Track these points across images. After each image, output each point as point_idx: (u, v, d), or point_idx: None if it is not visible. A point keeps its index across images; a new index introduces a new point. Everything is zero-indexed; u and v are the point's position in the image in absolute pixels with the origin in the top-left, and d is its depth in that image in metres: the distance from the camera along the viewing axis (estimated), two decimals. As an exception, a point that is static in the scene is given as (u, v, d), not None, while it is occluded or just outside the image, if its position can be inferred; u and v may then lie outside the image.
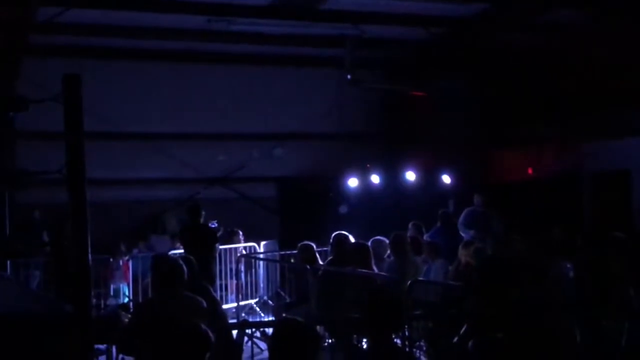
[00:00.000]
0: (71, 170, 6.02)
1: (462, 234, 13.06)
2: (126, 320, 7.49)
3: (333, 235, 10.48)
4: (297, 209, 17.29)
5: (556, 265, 8.92)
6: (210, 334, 5.18)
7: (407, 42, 16.01)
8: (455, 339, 6.24)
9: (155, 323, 6.23)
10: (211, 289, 8.34)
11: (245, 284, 14.53)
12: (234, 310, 13.44)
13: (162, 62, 16.87)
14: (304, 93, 17.88)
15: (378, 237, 10.93)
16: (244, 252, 14.94)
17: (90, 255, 6.09)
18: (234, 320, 10.23)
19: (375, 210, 15.21)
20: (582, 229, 14.51)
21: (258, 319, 13.23)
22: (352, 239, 10.54)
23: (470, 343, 5.33)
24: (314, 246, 10.86)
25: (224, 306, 11.62)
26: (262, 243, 15.74)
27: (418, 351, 8.91)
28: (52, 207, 12.15)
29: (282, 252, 14.98)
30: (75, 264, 6.07)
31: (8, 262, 12.22)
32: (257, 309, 14.26)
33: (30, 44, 14.27)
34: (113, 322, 7.80)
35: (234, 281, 14.36)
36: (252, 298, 14.59)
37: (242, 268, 14.45)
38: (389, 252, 10.97)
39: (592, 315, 7.11)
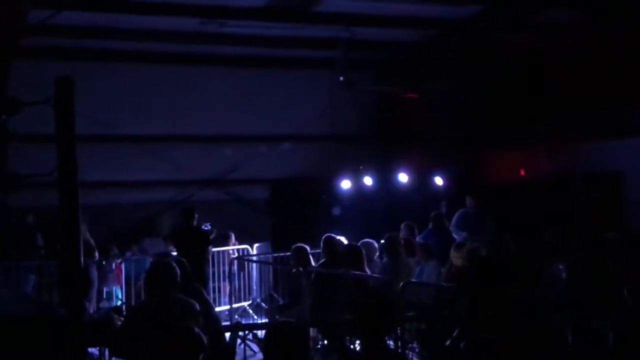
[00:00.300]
0: (63, 174, 6.01)
1: (455, 236, 13.07)
2: (119, 323, 7.48)
3: (323, 237, 10.53)
4: (291, 211, 17.29)
5: (549, 266, 8.93)
6: (203, 337, 5.18)
7: (400, 44, 16.02)
8: (448, 342, 6.24)
9: (148, 326, 6.22)
10: (204, 291, 8.35)
11: (238, 286, 14.51)
12: (226, 312, 13.44)
13: (155, 64, 16.85)
14: (296, 95, 17.90)
15: (367, 240, 10.98)
16: (237, 254, 14.94)
17: (82, 259, 6.08)
18: (227, 323, 10.23)
19: (368, 212, 15.22)
20: (575, 230, 14.54)
21: (251, 322, 13.22)
22: (344, 241, 10.55)
23: (462, 345, 5.34)
24: (308, 248, 10.88)
25: (217, 309, 11.61)
26: (255, 245, 15.74)
27: (410, 353, 8.92)
28: (45, 210, 12.12)
29: (275, 255, 14.97)
30: (67, 267, 6.06)
31: (1, 265, 12.23)
32: (250, 311, 14.25)
33: (23, 46, 14.25)
34: (106, 325, 7.78)
35: (227, 283, 14.35)
36: (245, 300, 14.58)
37: (235, 270, 14.44)
38: (378, 253, 10.99)
39: (585, 317, 7.12)
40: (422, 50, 16.22)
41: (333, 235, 10.69)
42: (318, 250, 11.34)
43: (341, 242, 11.06)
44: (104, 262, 13.94)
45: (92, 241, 12.30)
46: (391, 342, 7.46)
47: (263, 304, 14.33)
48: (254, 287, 14.97)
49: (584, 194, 15.20)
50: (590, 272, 8.02)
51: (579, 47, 14.58)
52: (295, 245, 10.88)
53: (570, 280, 8.64)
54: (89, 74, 14.38)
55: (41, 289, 13.01)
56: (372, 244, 10.95)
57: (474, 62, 16.26)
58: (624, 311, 6.20)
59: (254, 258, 15.29)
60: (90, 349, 7.06)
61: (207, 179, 18.09)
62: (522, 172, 16.08)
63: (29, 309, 6.79)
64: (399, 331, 7.84)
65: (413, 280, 10.12)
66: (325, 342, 8.70)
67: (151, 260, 11.42)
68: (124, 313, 8.67)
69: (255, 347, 10.23)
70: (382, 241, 10.90)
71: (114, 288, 14.11)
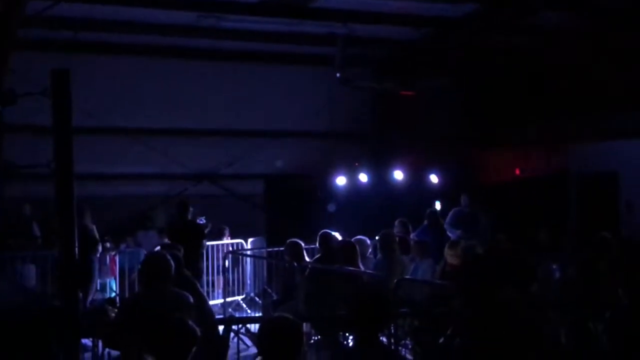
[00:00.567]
0: (59, 165, 5.99)
1: (449, 234, 13.08)
2: (113, 315, 7.48)
3: (319, 233, 10.54)
4: (285, 206, 17.27)
5: (543, 266, 8.95)
6: (197, 329, 5.18)
7: (396, 41, 16.03)
8: (442, 340, 6.25)
9: (142, 318, 6.23)
10: (198, 285, 8.35)
11: (232, 280, 14.51)
12: (220, 306, 13.45)
13: (151, 58, 16.81)
14: (293, 91, 17.88)
15: (360, 237, 10.99)
16: (231, 248, 14.94)
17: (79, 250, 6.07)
18: (221, 316, 10.22)
19: (362, 208, 15.22)
20: (569, 230, 14.59)
21: (245, 315, 13.23)
22: (339, 237, 10.56)
23: (456, 342, 5.35)
24: (302, 243, 10.88)
25: (210, 302, 11.60)
26: (250, 240, 15.75)
27: (403, 349, 8.93)
28: (42, 201, 12.09)
29: (270, 249, 14.96)
30: (62, 258, 6.05)
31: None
32: (244, 305, 14.25)
33: (19, 37, 14.19)
34: (100, 316, 7.78)
35: (221, 277, 14.35)
36: (238, 294, 14.58)
37: (229, 264, 14.43)
38: (370, 250, 11.00)
39: (579, 316, 7.14)
40: (419, 48, 16.23)
41: (329, 231, 10.69)
42: (312, 246, 11.34)
43: (336, 239, 11.08)
44: (98, 254, 13.93)
45: (96, 234, 12.27)
46: (384, 338, 7.46)
47: (257, 299, 14.34)
48: (248, 282, 14.98)
49: (578, 194, 15.24)
50: (584, 272, 8.06)
51: (575, 49, 14.60)
52: (290, 240, 10.87)
53: (564, 279, 8.68)
54: (86, 66, 14.36)
55: (45, 280, 12.95)
56: (364, 241, 10.96)
57: (471, 61, 16.27)
58: (618, 310, 6.21)
59: (248, 252, 15.30)
60: (83, 340, 7.03)
61: (202, 173, 18.08)
62: (517, 172, 16.11)
63: (23, 299, 6.77)
64: (392, 327, 7.84)
65: (407, 277, 10.13)
66: (319, 337, 8.70)
67: (145, 252, 11.41)
68: (118, 305, 8.68)
69: (248, 341, 10.24)
70: (377, 238, 10.91)
71: (107, 280, 14.11)
